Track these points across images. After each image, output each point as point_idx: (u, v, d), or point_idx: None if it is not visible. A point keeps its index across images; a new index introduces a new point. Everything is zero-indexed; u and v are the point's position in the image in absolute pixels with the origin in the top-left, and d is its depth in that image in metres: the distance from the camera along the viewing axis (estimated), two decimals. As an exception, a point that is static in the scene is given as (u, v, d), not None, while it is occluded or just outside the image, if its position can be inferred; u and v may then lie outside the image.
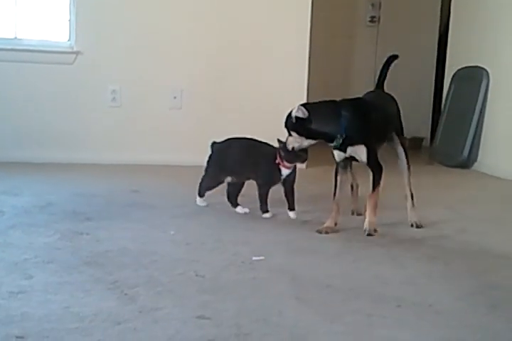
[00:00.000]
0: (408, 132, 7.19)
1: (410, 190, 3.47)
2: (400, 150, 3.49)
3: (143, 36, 5.15)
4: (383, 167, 3.22)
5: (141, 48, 5.16)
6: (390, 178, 3.32)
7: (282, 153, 3.28)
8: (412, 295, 2.36)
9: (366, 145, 3.15)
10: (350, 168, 3.44)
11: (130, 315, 2.05)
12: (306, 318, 2.10)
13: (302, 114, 3.06)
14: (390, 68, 3.59)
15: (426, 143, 7.32)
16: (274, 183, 3.41)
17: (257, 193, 3.43)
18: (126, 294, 2.24)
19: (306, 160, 3.29)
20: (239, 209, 3.52)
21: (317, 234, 3.16)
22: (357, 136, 3.14)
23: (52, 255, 2.65)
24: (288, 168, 3.35)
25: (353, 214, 3.62)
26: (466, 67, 6.00)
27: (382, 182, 3.21)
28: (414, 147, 7.17)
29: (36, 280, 2.35)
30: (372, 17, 7.25)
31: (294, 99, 5.39)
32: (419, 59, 7.42)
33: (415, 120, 7.29)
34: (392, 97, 3.54)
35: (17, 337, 1.85)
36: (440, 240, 3.18)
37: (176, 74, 5.20)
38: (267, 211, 3.43)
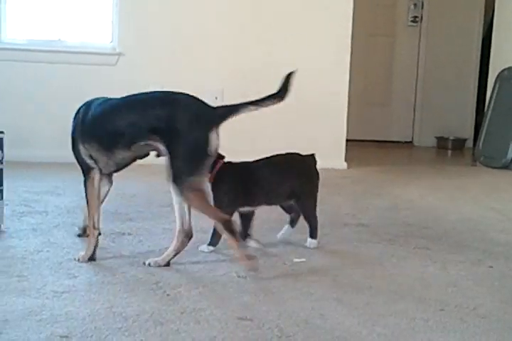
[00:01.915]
0: (450, 133, 7.17)
1: None
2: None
3: (184, 37, 5.18)
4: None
5: (182, 49, 5.18)
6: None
7: None
8: (456, 298, 2.33)
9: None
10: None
11: (172, 315, 2.06)
12: (347, 320, 2.09)
13: None
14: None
15: (469, 143, 7.25)
16: None
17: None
18: (168, 294, 2.25)
19: None
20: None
21: (359, 236, 3.15)
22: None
23: (95, 255, 2.68)
24: None
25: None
26: (510, 68, 5.93)
27: None
28: (456, 148, 7.12)
29: (80, 280, 2.37)
30: (415, 17, 7.20)
31: (335, 98, 5.39)
32: (462, 59, 7.34)
33: (458, 121, 7.23)
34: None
35: (61, 337, 1.88)
36: (484, 242, 3.15)
37: (217, 75, 5.21)
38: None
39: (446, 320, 2.12)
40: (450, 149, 7.09)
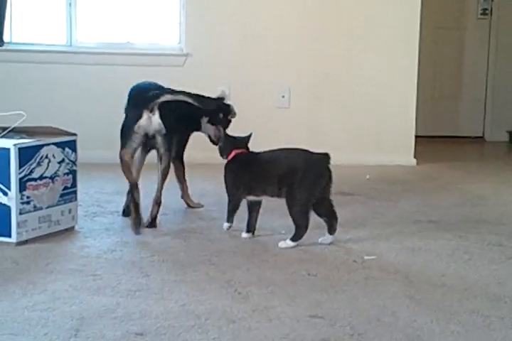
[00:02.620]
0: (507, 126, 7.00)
1: None
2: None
3: (250, 37, 5.19)
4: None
5: (249, 49, 5.20)
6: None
7: None
8: (531, 296, 2.29)
9: None
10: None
11: (244, 313, 2.08)
12: (420, 318, 2.07)
13: None
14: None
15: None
16: None
17: None
18: (239, 293, 2.27)
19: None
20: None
21: (431, 233, 3.11)
22: None
23: (167, 254, 2.72)
24: None
25: None
26: None
27: None
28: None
29: (153, 278, 2.41)
30: (485, 9, 7.06)
31: (403, 94, 5.33)
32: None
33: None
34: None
35: (136, 334, 1.91)
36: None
37: (284, 74, 5.21)
38: None
39: (522, 317, 2.09)
40: (523, 143, 6.93)
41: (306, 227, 2.83)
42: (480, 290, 2.35)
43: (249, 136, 3.06)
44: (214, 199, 3.80)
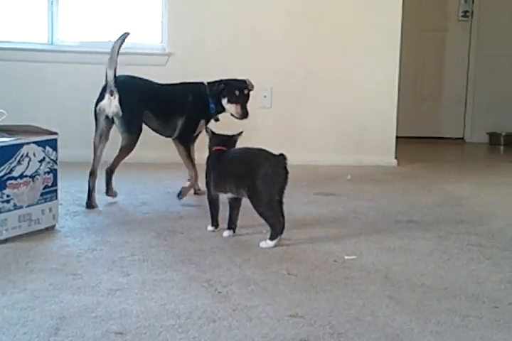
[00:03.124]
0: (503, 128, 7.05)
1: None
2: None
3: (233, 37, 5.20)
4: None
5: (231, 49, 5.21)
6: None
7: None
8: (510, 296, 2.30)
9: None
10: None
11: (224, 312, 2.08)
12: (399, 318, 2.08)
13: None
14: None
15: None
16: None
17: None
18: (220, 292, 2.27)
19: None
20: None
21: (411, 233, 3.13)
22: None
23: (147, 253, 2.71)
24: None
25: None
26: None
27: None
28: (509, 144, 6.99)
29: (133, 277, 2.41)
30: (465, 11, 7.11)
31: (385, 95, 5.36)
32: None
33: (511, 116, 7.11)
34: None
35: (116, 333, 1.91)
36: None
37: (266, 74, 5.22)
38: None
39: (500, 317, 2.10)
40: (503, 145, 6.98)
41: (280, 223, 2.84)
42: (459, 289, 2.36)
43: (237, 135, 3.09)
44: (195, 198, 3.81)
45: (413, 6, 6.26)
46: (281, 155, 2.82)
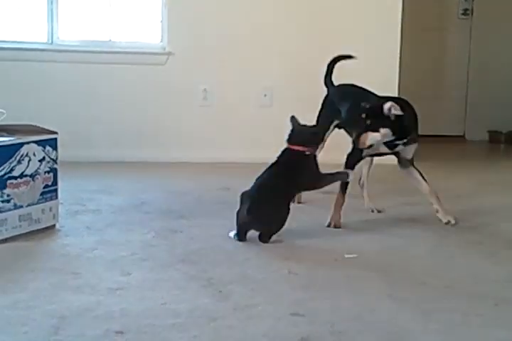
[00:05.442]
0: (504, 126, 7.05)
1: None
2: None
3: (233, 36, 5.19)
4: None
5: (232, 48, 5.20)
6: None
7: None
8: (511, 293, 2.30)
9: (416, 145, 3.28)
10: (371, 163, 3.70)
11: (225, 311, 2.08)
12: (400, 316, 2.08)
13: (400, 111, 3.04)
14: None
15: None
16: None
17: None
18: (220, 291, 2.27)
19: None
20: None
21: (411, 231, 3.13)
22: (415, 135, 3.24)
23: (148, 252, 2.71)
24: None
25: (372, 211, 3.59)
26: None
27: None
28: (510, 142, 6.98)
29: (133, 277, 2.41)
30: (465, 9, 7.10)
31: (385, 94, 5.35)
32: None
33: (511, 114, 7.10)
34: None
35: (117, 332, 1.91)
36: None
37: (266, 73, 5.22)
38: None
39: (501, 315, 2.10)
40: (503, 143, 6.97)
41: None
42: (459, 288, 2.36)
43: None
44: (195, 197, 3.81)
45: (413, 4, 6.25)
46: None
